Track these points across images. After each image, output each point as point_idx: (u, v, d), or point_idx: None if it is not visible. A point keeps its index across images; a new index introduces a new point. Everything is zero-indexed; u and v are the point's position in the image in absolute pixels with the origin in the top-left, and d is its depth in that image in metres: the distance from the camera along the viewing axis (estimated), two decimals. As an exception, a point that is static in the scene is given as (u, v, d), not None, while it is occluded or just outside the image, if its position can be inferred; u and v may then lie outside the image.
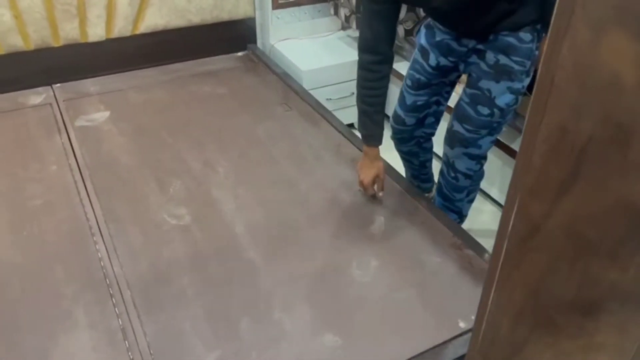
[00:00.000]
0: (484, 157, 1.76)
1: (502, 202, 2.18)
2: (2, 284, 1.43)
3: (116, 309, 1.35)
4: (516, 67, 1.55)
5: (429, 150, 1.97)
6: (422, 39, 1.73)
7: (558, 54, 0.56)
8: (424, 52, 1.71)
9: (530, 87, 1.64)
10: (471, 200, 1.88)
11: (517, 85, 1.57)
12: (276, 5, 2.68)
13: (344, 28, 2.90)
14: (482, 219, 2.30)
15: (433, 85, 1.75)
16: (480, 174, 1.80)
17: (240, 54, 2.67)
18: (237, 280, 1.47)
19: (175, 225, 1.65)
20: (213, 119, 2.17)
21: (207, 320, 1.34)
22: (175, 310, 1.36)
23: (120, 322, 1.32)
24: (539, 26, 1.54)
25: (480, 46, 1.58)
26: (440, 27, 1.65)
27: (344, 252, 1.58)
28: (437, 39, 1.66)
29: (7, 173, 1.85)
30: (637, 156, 0.52)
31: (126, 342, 1.28)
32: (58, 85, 2.34)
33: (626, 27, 0.50)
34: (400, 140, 1.91)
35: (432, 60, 1.69)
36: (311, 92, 2.48)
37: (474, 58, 1.61)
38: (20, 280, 1.44)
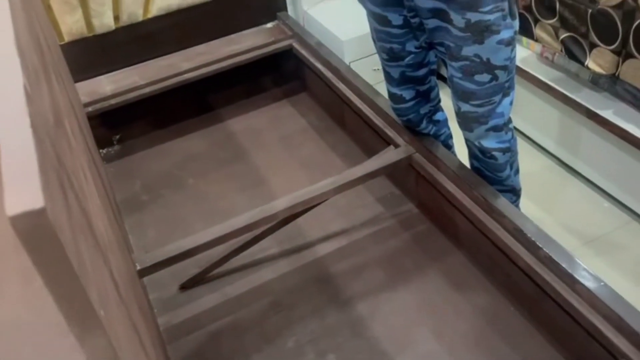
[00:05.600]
0: (510, 121, 1.49)
1: (561, 156, 2.01)
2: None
3: None
4: (493, 17, 1.25)
5: (445, 123, 1.69)
6: (367, 2, 1.42)
7: None
8: (380, 18, 1.41)
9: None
10: (517, 171, 1.62)
11: (505, 34, 1.28)
12: (305, -37, 2.30)
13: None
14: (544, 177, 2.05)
15: (412, 53, 1.46)
16: (514, 140, 1.54)
17: (269, 25, 2.32)
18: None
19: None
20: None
21: None
22: None
23: None
24: None
25: (437, 5, 1.27)
26: None
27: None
28: None
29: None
30: None
31: None
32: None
33: None
34: (410, 124, 1.64)
35: (396, 20, 1.39)
36: (354, 64, 2.14)
37: (434, 22, 1.31)
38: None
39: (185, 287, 1.63)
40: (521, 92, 2.02)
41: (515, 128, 2.00)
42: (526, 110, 2.06)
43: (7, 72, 0.34)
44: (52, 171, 0.37)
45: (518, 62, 1.96)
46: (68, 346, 1.00)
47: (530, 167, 2.02)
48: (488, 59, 1.31)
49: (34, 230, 0.30)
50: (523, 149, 2.10)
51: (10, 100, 0.32)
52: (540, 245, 1.28)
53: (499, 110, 1.41)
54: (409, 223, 1.74)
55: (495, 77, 1.34)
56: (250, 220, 1.50)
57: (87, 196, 0.71)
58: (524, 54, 1.99)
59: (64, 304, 0.34)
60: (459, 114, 1.46)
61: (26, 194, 0.30)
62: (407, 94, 1.56)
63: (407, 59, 1.47)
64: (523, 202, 1.69)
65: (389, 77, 1.55)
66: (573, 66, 1.87)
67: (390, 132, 1.72)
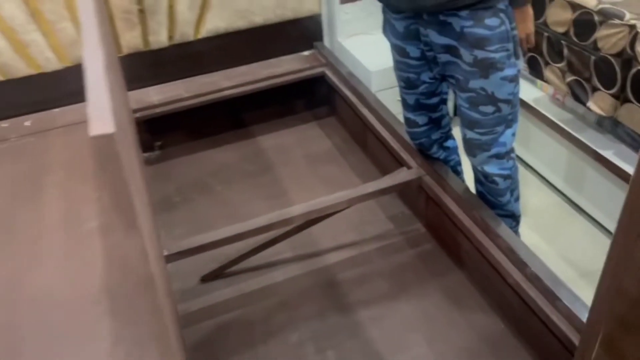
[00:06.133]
0: (512, 151, 1.61)
1: (568, 193, 2.12)
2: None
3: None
4: (498, 55, 1.40)
5: (455, 150, 1.84)
6: (390, 36, 1.59)
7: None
8: (400, 50, 1.58)
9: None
10: (517, 198, 1.73)
11: (509, 72, 1.43)
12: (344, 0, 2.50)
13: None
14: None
15: (426, 83, 1.62)
16: (515, 169, 1.66)
17: (306, 53, 2.53)
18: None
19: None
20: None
21: None
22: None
23: None
24: (500, 5, 1.36)
25: (449, 42, 1.42)
26: (391, 14, 1.51)
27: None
28: (400, 29, 1.52)
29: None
30: None
31: None
32: (123, 94, 2.32)
33: None
34: (422, 147, 1.79)
35: (413, 52, 1.55)
36: (380, 93, 2.30)
37: (446, 57, 1.46)
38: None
39: (205, 279, 1.79)
40: (533, 130, 2.14)
41: (527, 164, 2.12)
42: (537, 148, 2.18)
43: (93, 49, 0.51)
44: (117, 117, 0.54)
45: (531, 102, 2.10)
46: (97, 314, 1.18)
47: (538, 202, 2.12)
48: (492, 93, 1.45)
49: (105, 148, 0.47)
50: (533, 184, 2.21)
51: (96, 66, 0.49)
52: (527, 263, 1.39)
53: (501, 139, 1.55)
54: (416, 241, 1.87)
55: (498, 109, 1.48)
56: (268, 222, 1.65)
57: (134, 166, 0.88)
58: (537, 94, 2.13)
59: (117, 207, 0.51)
60: (465, 140, 1.60)
61: (103, 123, 0.47)
62: (421, 119, 1.71)
63: (421, 88, 1.63)
64: (528, 233, 1.80)
65: (405, 103, 1.72)
66: (580, 108, 1.99)
67: (405, 155, 1.87)
